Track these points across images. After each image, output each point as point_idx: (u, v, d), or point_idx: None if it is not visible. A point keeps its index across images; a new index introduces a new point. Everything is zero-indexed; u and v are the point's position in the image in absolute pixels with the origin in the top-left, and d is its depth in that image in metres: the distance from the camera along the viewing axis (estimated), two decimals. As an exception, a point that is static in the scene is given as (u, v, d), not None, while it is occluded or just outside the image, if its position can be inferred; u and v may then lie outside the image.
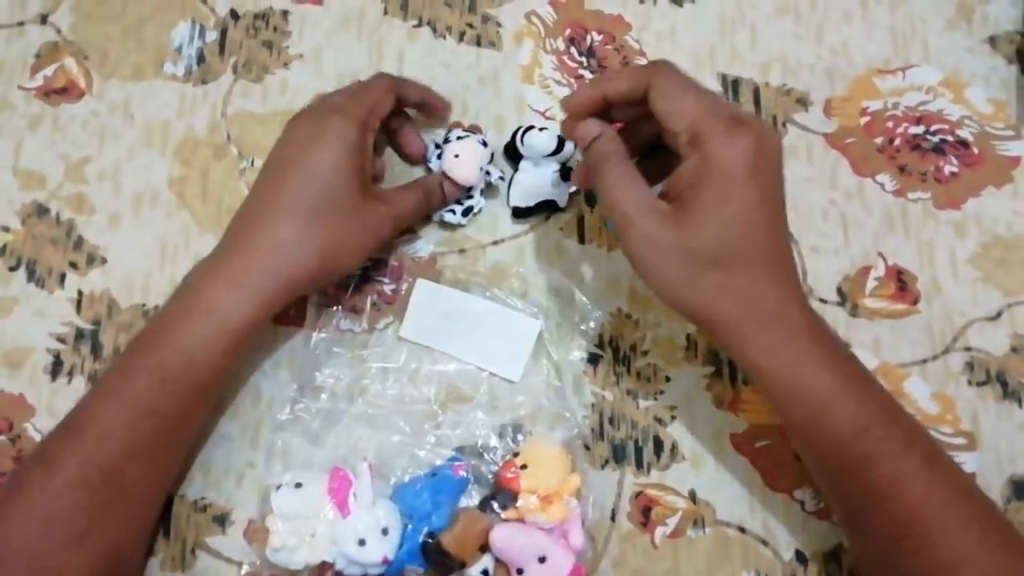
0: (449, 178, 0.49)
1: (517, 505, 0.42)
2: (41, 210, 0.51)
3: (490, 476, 0.45)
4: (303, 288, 0.43)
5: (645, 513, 0.46)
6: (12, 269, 0.50)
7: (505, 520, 0.43)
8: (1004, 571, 0.35)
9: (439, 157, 0.50)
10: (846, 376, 0.38)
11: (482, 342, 0.48)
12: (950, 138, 0.53)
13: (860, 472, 0.37)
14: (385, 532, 0.41)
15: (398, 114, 0.50)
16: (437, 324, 0.48)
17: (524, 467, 0.43)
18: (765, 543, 0.46)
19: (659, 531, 0.46)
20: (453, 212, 0.50)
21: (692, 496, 0.46)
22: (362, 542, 0.41)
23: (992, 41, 0.55)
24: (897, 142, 0.53)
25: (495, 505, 0.43)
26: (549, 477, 0.43)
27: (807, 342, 0.38)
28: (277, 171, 0.44)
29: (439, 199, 0.49)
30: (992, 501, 0.39)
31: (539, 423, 0.46)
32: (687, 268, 0.37)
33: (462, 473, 0.44)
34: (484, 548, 0.42)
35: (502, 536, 0.42)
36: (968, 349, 0.49)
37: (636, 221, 0.38)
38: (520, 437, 0.46)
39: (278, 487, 0.43)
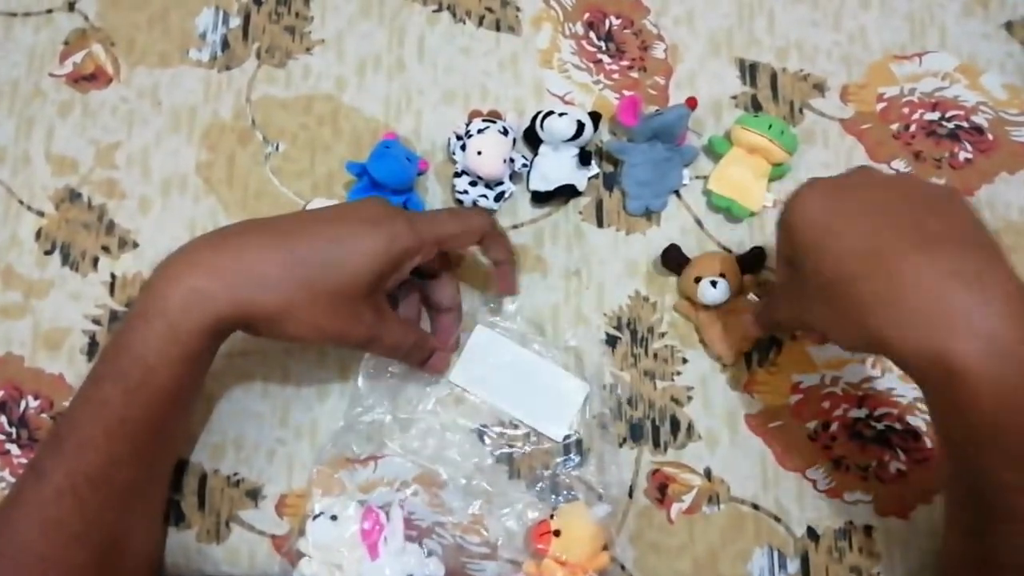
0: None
1: (541, 565, 0.44)
2: (73, 195, 0.53)
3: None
4: (252, 326, 0.40)
5: (661, 490, 0.48)
6: (47, 253, 0.52)
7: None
8: None
9: (463, 149, 0.51)
10: None
11: (530, 398, 0.48)
12: (965, 124, 0.53)
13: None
14: None
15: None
16: (488, 373, 0.49)
17: (557, 533, 0.44)
18: (778, 519, 0.47)
19: (675, 507, 0.47)
20: (486, 197, 0.51)
21: (707, 474, 0.48)
22: None
23: (1009, 26, 0.55)
24: (912, 128, 0.53)
25: None
26: (581, 549, 0.43)
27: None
28: (318, 218, 0.42)
29: (419, 360, 0.47)
30: None
31: (579, 490, 0.47)
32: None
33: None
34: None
35: None
36: (979, 332, 0.50)
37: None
38: (559, 499, 0.47)
39: (315, 516, 0.44)
